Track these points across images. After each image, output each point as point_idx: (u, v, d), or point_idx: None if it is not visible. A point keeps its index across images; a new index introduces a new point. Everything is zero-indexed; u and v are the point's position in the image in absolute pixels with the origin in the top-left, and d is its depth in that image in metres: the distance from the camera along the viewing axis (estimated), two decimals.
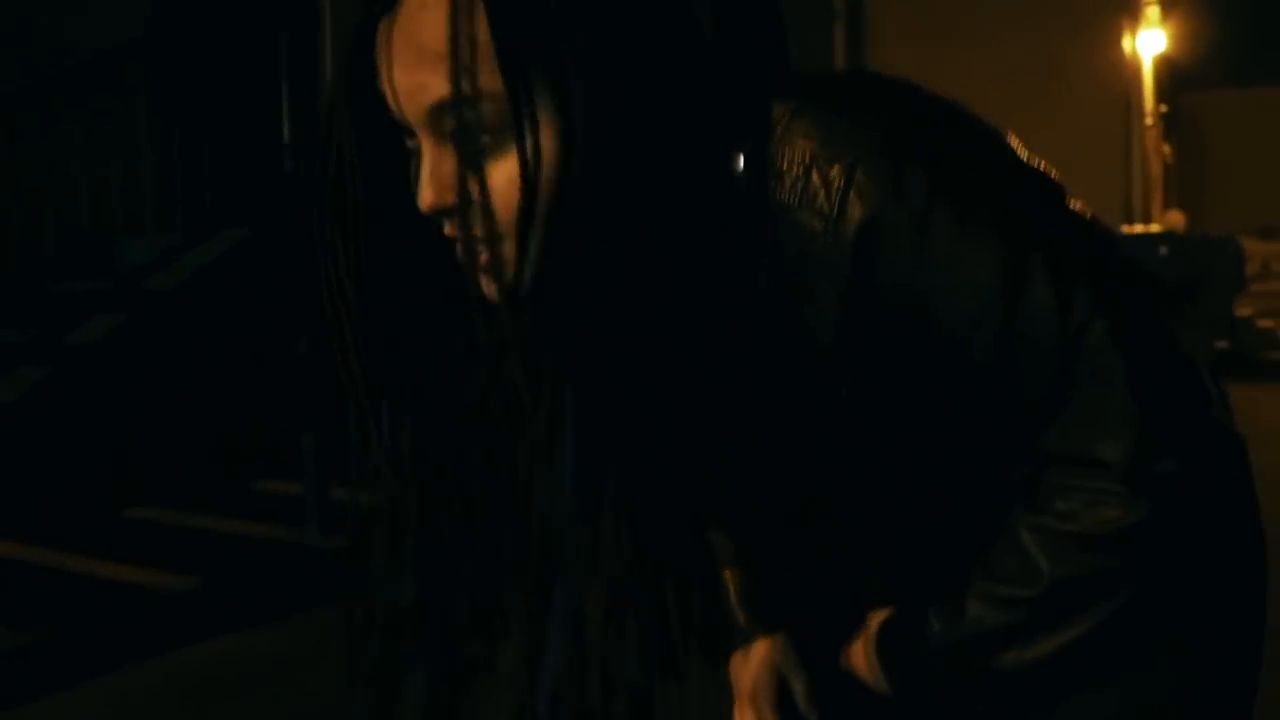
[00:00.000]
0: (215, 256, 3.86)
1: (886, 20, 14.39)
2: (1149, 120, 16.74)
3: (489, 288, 0.83)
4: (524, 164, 0.77)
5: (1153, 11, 16.65)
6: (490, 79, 0.77)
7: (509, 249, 0.81)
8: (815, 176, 0.77)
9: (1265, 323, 12.66)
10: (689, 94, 0.80)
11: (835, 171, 0.76)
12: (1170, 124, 21.04)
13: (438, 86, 0.77)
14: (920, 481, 0.85)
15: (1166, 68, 19.02)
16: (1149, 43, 16.38)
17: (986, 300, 0.75)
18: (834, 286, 0.77)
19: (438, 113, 0.79)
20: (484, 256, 0.81)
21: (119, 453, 4.09)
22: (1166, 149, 20.73)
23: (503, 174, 0.79)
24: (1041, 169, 0.82)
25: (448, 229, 0.82)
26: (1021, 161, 0.81)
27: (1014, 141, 0.83)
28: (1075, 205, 0.81)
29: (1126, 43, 15.35)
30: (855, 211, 0.75)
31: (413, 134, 0.82)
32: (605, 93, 0.76)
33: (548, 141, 0.77)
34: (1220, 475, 0.79)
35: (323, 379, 4.34)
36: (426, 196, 0.81)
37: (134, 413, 3.96)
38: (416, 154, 0.83)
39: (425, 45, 0.78)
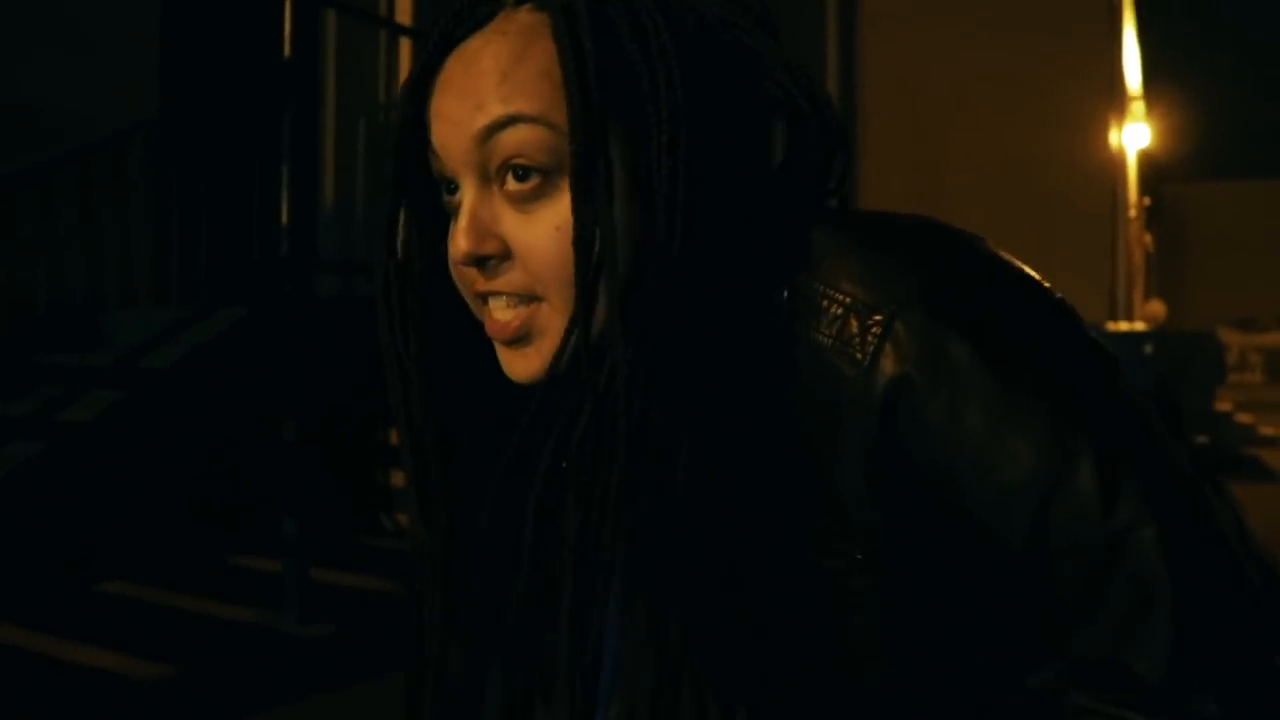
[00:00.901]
0: (212, 335, 3.83)
1: (874, 110, 14.64)
2: (1133, 212, 17.00)
3: (518, 364, 0.77)
4: (587, 199, 0.71)
5: (1138, 107, 17.01)
6: (551, 108, 0.72)
7: (548, 315, 0.75)
8: (854, 321, 0.71)
9: (1244, 417, 12.78)
10: (756, 200, 0.76)
11: (875, 320, 0.71)
12: (1151, 215, 21.40)
13: (492, 108, 0.73)
14: (931, 676, 0.76)
15: (1149, 161, 19.39)
16: (1133, 137, 16.71)
17: (1024, 486, 0.68)
18: (859, 442, 0.71)
19: (487, 139, 0.73)
20: (515, 322, 0.75)
21: (101, 528, 4.02)
22: (1148, 239, 21.05)
23: (549, 221, 0.73)
24: (1095, 339, 0.74)
25: (479, 285, 0.76)
26: (1075, 328, 0.73)
27: (1067, 308, 0.75)
28: (1125, 383, 0.73)
29: (1113, 137, 15.65)
30: (889, 365, 0.70)
31: (453, 189, 0.78)
32: (687, 156, 0.71)
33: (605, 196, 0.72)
34: None
35: (307, 462, 4.30)
36: (460, 244, 0.75)
37: (120, 489, 3.90)
38: (455, 212, 0.77)
39: (485, 68, 0.74)
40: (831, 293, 0.73)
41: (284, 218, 4.07)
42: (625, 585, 0.75)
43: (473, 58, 0.75)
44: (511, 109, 0.72)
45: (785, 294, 0.74)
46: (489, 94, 0.73)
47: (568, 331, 0.73)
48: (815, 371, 0.73)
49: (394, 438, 6.24)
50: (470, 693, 0.84)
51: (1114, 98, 15.62)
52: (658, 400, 0.71)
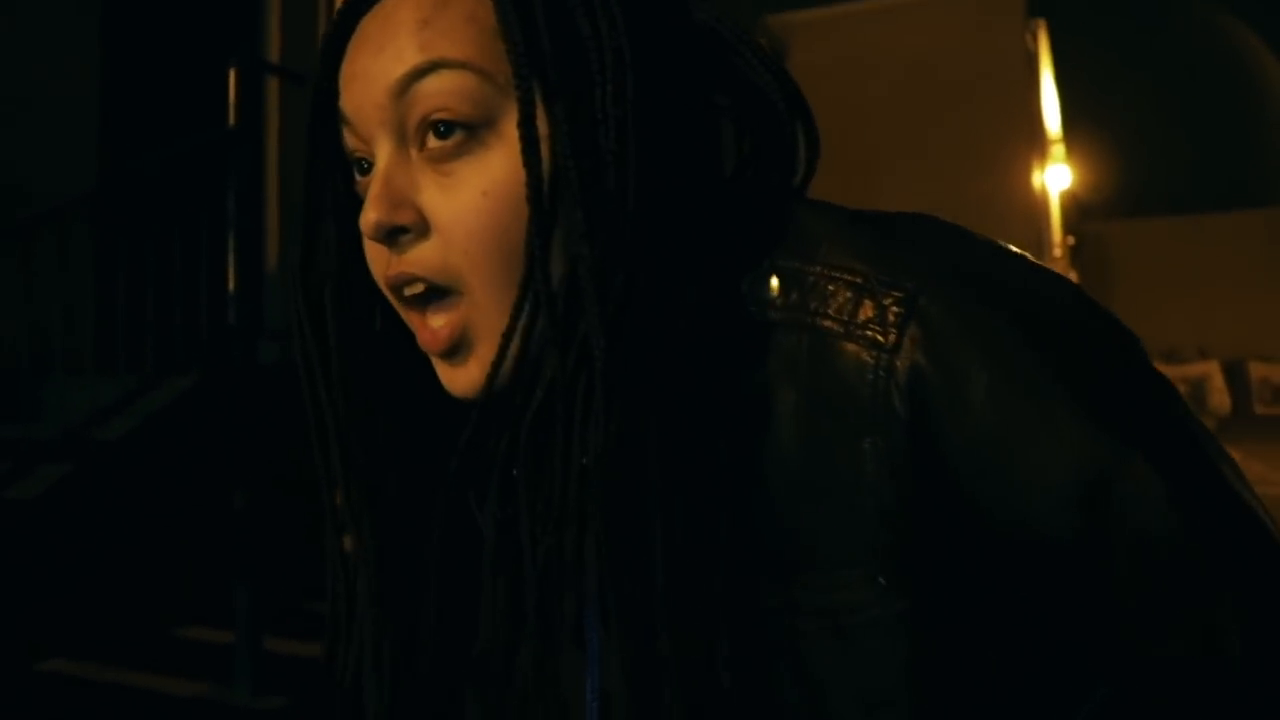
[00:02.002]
0: (161, 405, 3.80)
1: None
2: (1058, 252, 17.41)
3: (458, 379, 0.69)
4: (530, 155, 0.63)
5: (1058, 149, 17.49)
6: (478, 53, 0.65)
7: (479, 316, 0.66)
8: (868, 303, 0.64)
9: None
10: (717, 173, 0.70)
11: (894, 298, 0.63)
12: (1075, 254, 21.95)
13: (410, 56, 0.66)
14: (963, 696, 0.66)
15: (1071, 201, 19.90)
16: (1055, 179, 17.16)
17: (1080, 471, 0.60)
18: (885, 439, 0.62)
19: (404, 91, 0.66)
20: (446, 330, 0.67)
21: (46, 607, 3.93)
22: (1073, 276, 21.56)
23: (474, 185, 0.65)
24: (1111, 317, 0.69)
25: (391, 269, 0.68)
26: (1095, 304, 0.68)
27: (1078, 286, 0.70)
28: (1151, 363, 0.68)
29: (1035, 179, 16.06)
30: (917, 348, 0.62)
31: (366, 168, 0.70)
32: (635, 111, 0.64)
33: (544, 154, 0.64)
34: None
35: (258, 531, 4.24)
36: (370, 215, 0.66)
37: (68, 566, 3.83)
38: (366, 194, 0.69)
39: (404, 18, 0.67)
40: (836, 274, 0.66)
41: (231, 285, 4.05)
42: (602, 606, 0.65)
43: (391, 10, 0.68)
44: (433, 55, 0.65)
45: (774, 280, 0.67)
46: (407, 42, 0.66)
47: (506, 334, 0.66)
48: (822, 364, 0.64)
49: (339, 500, 6.17)
50: None
51: (1035, 141, 16.07)
52: (633, 400, 0.62)
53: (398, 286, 0.68)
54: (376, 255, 0.70)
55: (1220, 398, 23.41)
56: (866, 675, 0.63)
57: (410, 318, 0.70)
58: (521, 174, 0.64)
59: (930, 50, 15.68)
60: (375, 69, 0.67)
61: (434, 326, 0.68)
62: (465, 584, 0.74)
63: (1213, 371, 23.53)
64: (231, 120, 4.17)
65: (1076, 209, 21.73)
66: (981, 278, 0.65)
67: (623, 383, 0.61)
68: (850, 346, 0.64)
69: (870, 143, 15.70)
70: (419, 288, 0.67)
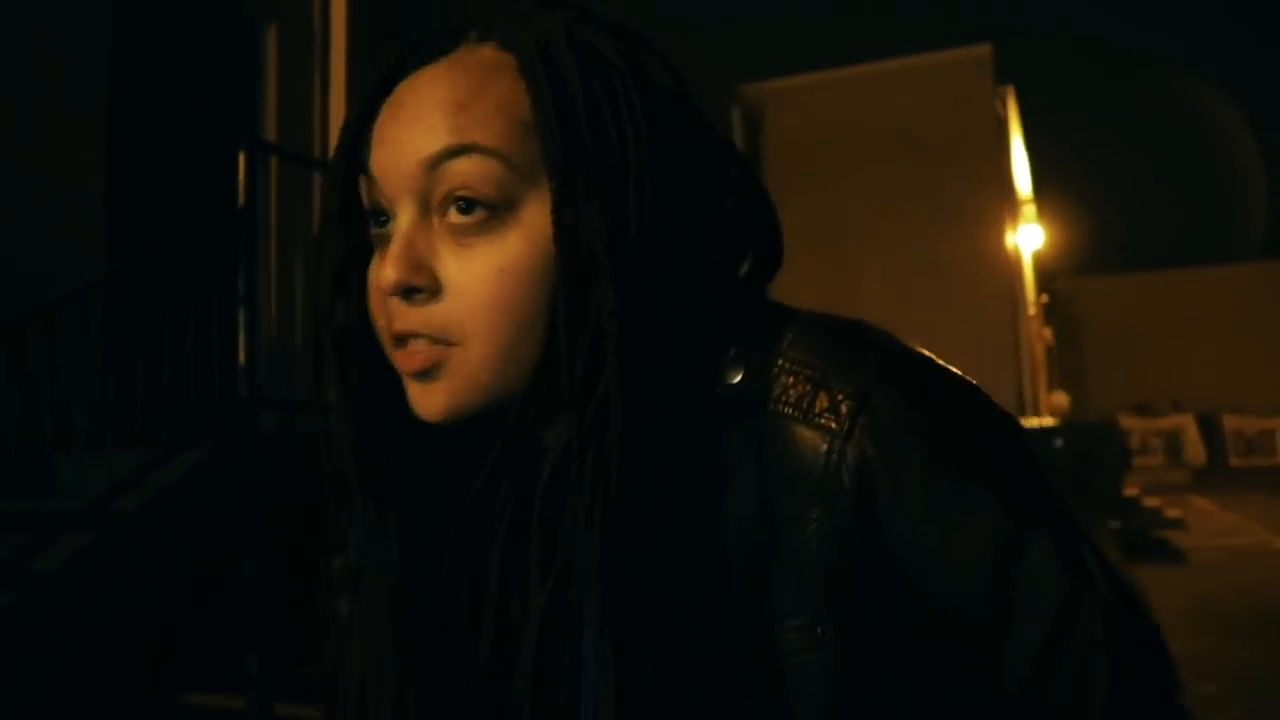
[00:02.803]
0: (177, 476, 3.92)
1: (784, 226, 15.13)
2: (1032, 310, 17.74)
3: (426, 400, 0.74)
4: (564, 224, 0.70)
5: (1029, 210, 17.84)
6: (506, 143, 0.71)
7: (460, 359, 0.72)
8: (824, 396, 0.72)
9: (1150, 500, 13.20)
10: (706, 269, 0.77)
11: (846, 393, 0.71)
12: (1049, 311, 22.29)
13: (444, 135, 0.71)
14: None
15: (1043, 260, 20.29)
16: (1028, 238, 17.52)
17: (989, 552, 0.70)
18: (833, 510, 0.70)
19: (434, 166, 0.71)
20: (422, 354, 0.72)
21: (56, 673, 4.01)
22: (1047, 334, 21.88)
23: (491, 260, 0.71)
24: (1013, 419, 0.78)
25: (398, 323, 0.73)
26: (1005, 415, 0.77)
27: (990, 397, 0.79)
28: (1039, 457, 0.77)
29: (1008, 239, 16.36)
30: (864, 438, 0.70)
31: (383, 221, 0.75)
32: (653, 206, 0.71)
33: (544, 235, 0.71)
34: None
35: (268, 598, 4.34)
36: (389, 273, 0.71)
37: (83, 636, 3.92)
38: (382, 245, 0.75)
39: (441, 96, 0.72)
40: (797, 369, 0.73)
41: (241, 358, 4.19)
42: (602, 628, 0.71)
43: (428, 85, 0.73)
44: (466, 139, 0.70)
45: (742, 368, 0.74)
46: (443, 121, 0.71)
47: (488, 371, 0.72)
48: (779, 445, 0.72)
49: (337, 569, 6.24)
50: None
51: (1007, 202, 16.43)
52: (639, 459, 0.69)
53: (402, 337, 0.73)
54: (380, 307, 0.75)
55: (1195, 450, 23.69)
56: (797, 709, 0.71)
57: (394, 352, 0.75)
58: (533, 254, 0.71)
59: (902, 116, 16.08)
60: (408, 139, 0.72)
61: (413, 350, 0.73)
62: (463, 631, 0.77)
63: (1187, 424, 23.81)
64: (241, 200, 4.35)
65: (1048, 267, 22.13)
66: (917, 383, 0.74)
67: (636, 443, 0.69)
68: (806, 431, 0.71)
69: (845, 206, 16.03)
70: (421, 342, 0.72)
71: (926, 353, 0.78)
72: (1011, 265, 16.41)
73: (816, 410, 0.71)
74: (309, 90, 6.60)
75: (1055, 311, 24.54)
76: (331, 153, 0.79)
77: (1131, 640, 0.73)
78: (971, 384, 0.76)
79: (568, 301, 0.70)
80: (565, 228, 0.70)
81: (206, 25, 6.10)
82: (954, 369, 0.77)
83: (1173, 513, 13.14)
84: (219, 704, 4.87)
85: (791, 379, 0.73)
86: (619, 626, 0.69)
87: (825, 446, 0.71)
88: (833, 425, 0.71)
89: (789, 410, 0.72)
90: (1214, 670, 5.73)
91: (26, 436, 3.97)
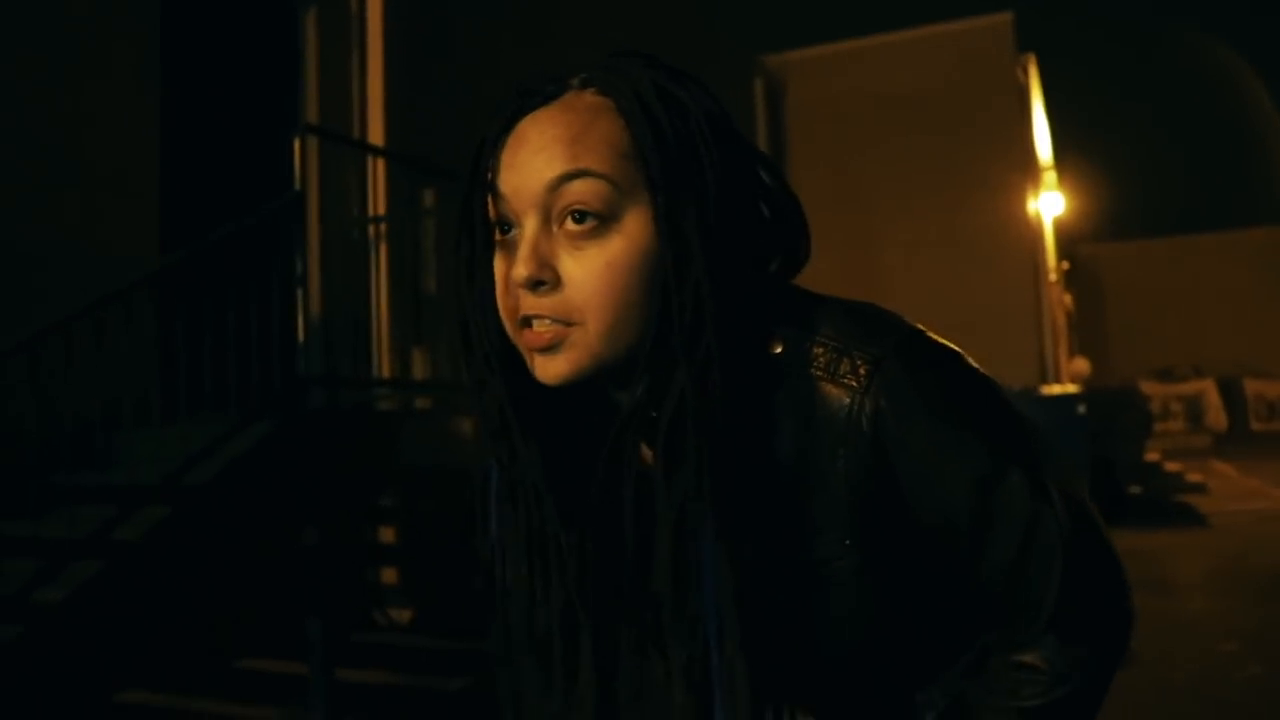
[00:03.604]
0: (245, 450, 4.10)
1: (803, 193, 15.18)
2: (1053, 276, 17.73)
3: (550, 367, 0.91)
4: (674, 228, 0.89)
5: (1050, 176, 17.78)
6: (611, 169, 0.89)
7: (579, 335, 0.90)
8: (846, 360, 0.92)
9: (1172, 465, 13.24)
10: (757, 266, 0.96)
11: (864, 359, 0.91)
12: (1069, 277, 22.22)
13: (564, 163, 0.89)
14: (897, 635, 0.97)
15: (1063, 226, 20.24)
16: (1049, 205, 17.47)
17: (974, 479, 0.91)
18: (855, 450, 0.91)
19: (557, 186, 0.89)
20: (548, 334, 0.90)
21: (129, 638, 4.22)
22: (1068, 300, 21.85)
23: (600, 258, 0.89)
24: (993, 380, 0.98)
25: (526, 307, 0.90)
26: (988, 379, 0.97)
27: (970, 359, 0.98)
28: (1027, 417, 0.98)
29: (1030, 206, 16.32)
30: (878, 394, 0.90)
31: (507, 229, 0.93)
32: (720, 217, 0.90)
33: (646, 238, 0.90)
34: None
35: (330, 565, 4.54)
36: (521, 271, 0.89)
37: (160, 604, 4.12)
38: (506, 249, 0.93)
39: (559, 133, 0.90)
40: (825, 340, 0.93)
41: (301, 336, 4.37)
42: (716, 541, 0.91)
43: (547, 123, 0.92)
44: (580, 165, 0.89)
45: (780, 345, 0.94)
46: (562, 152, 0.90)
47: (603, 350, 0.90)
48: (812, 400, 0.92)
49: (383, 537, 6.45)
50: (596, 646, 0.99)
51: (1028, 169, 16.41)
52: (731, 402, 0.89)
53: (528, 319, 0.91)
54: (510, 296, 0.93)
55: (1217, 415, 23.65)
56: (837, 603, 0.93)
57: (520, 332, 0.93)
58: (633, 252, 0.90)
59: (924, 85, 16.09)
60: (533, 165, 0.90)
61: (539, 330, 0.91)
62: (610, 532, 0.96)
63: (1208, 389, 23.74)
64: (297, 184, 4.51)
65: (1069, 233, 22.02)
66: (919, 352, 0.94)
67: (730, 387, 0.89)
68: (833, 388, 0.92)
69: (867, 175, 16.07)
70: (546, 323, 0.91)
71: (925, 328, 0.98)
72: (1033, 232, 16.40)
73: (841, 372, 0.92)
74: (348, 72, 6.73)
75: (1076, 277, 24.46)
76: (467, 172, 0.97)
77: (1083, 551, 0.94)
78: (959, 352, 0.97)
79: (678, 283, 0.89)
80: (669, 229, 0.89)
81: (250, 10, 6.24)
82: (946, 341, 0.97)
83: (1194, 477, 13.18)
84: (275, 669, 5.06)
85: (820, 349, 0.93)
86: (728, 532, 0.90)
87: (848, 400, 0.91)
88: (853, 383, 0.91)
89: (819, 373, 0.92)
90: (1235, 630, 5.92)
91: (90, 415, 4.16)
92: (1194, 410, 23.32)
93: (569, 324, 0.90)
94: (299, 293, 4.39)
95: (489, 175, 0.94)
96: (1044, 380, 14.24)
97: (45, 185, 4.80)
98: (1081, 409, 8.41)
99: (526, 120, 0.93)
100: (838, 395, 0.91)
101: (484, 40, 7.38)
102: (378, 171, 6.33)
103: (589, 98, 0.93)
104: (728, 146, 0.94)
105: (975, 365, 0.98)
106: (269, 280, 4.48)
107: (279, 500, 4.33)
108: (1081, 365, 19.22)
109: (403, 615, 5.98)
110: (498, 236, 0.94)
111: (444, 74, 7.01)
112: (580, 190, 0.89)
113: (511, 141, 0.93)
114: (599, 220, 0.89)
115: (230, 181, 5.64)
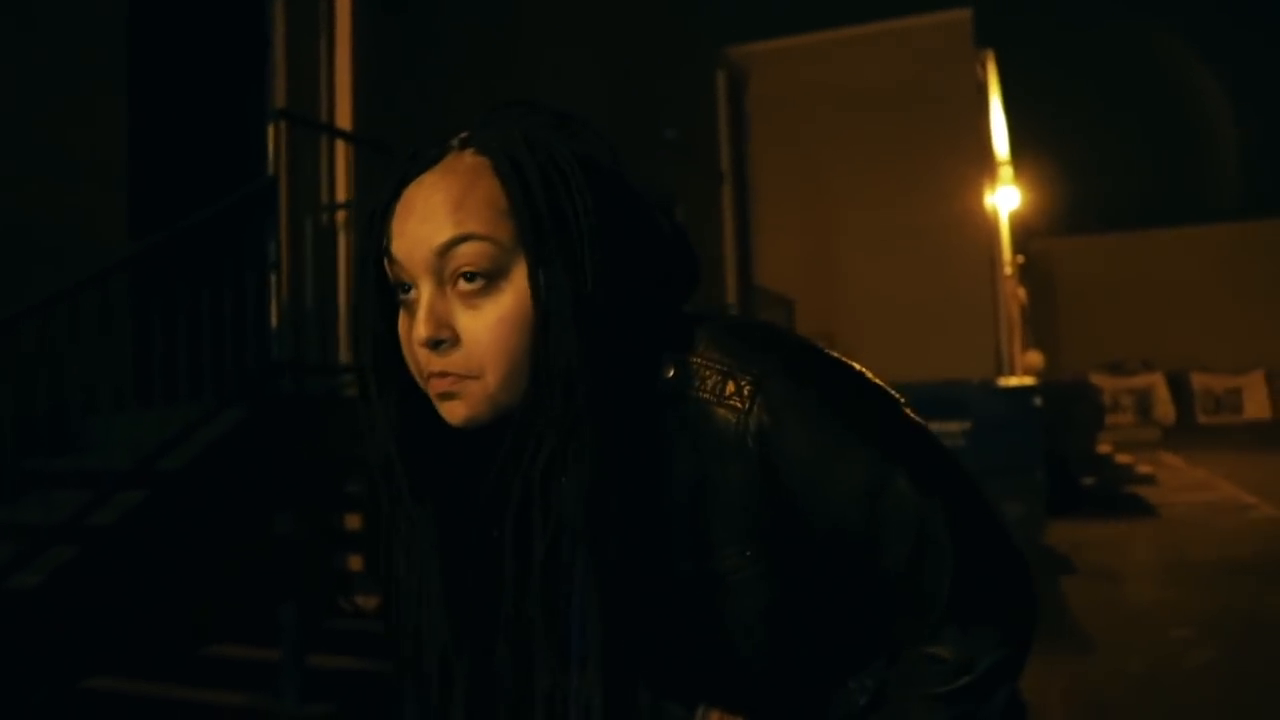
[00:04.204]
0: (218, 435, 4.09)
1: (764, 184, 15.28)
2: (1009, 270, 17.95)
3: (456, 410, 0.96)
4: (537, 290, 0.93)
5: (1006, 171, 18.01)
6: (494, 229, 0.93)
7: (487, 381, 0.94)
8: (730, 383, 0.96)
9: (1123, 458, 13.51)
10: (648, 297, 1.00)
11: (747, 380, 0.96)
12: (1024, 271, 22.51)
13: (449, 229, 0.93)
14: (796, 646, 1.02)
15: (1019, 221, 20.50)
16: (1005, 200, 17.70)
17: (862, 488, 0.95)
18: (745, 467, 0.96)
19: (445, 251, 0.93)
20: (447, 381, 0.95)
21: (96, 625, 4.20)
22: (1023, 294, 22.14)
23: (492, 314, 0.94)
24: (885, 387, 1.03)
25: (431, 365, 0.95)
26: (874, 384, 1.02)
27: (859, 367, 1.03)
28: (913, 416, 1.02)
29: (986, 201, 16.50)
30: (761, 412, 0.95)
31: (407, 289, 0.97)
32: (604, 262, 0.94)
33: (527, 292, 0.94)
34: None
35: (302, 551, 4.54)
36: (421, 331, 0.94)
37: (134, 590, 4.10)
38: (408, 308, 0.97)
39: (441, 199, 0.94)
40: (712, 364, 0.98)
41: (274, 322, 4.37)
42: (587, 574, 0.95)
43: (430, 189, 0.96)
44: (464, 230, 0.93)
45: (672, 370, 0.99)
46: (446, 218, 0.94)
47: (495, 396, 0.95)
48: (701, 423, 0.97)
49: (349, 524, 6.45)
50: (476, 671, 1.03)
51: (985, 164, 16.61)
52: (607, 444, 0.94)
53: (437, 375, 0.96)
54: (415, 353, 0.97)
55: (1165, 408, 24.14)
56: (746, 609, 0.98)
57: (427, 381, 0.98)
58: (524, 306, 0.94)
59: (884, 79, 16.23)
60: (421, 233, 0.95)
61: (438, 384, 0.96)
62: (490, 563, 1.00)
63: (1157, 383, 24.22)
64: (271, 170, 4.50)
65: (1024, 228, 22.30)
66: (800, 368, 0.98)
67: (603, 441, 0.94)
68: (720, 410, 0.96)
69: (826, 167, 16.20)
70: (449, 378, 0.96)
71: (813, 343, 1.03)
72: (989, 227, 16.61)
73: (727, 394, 0.96)
74: (315, 56, 6.69)
75: (1029, 271, 24.77)
76: (363, 229, 1.02)
77: (976, 544, 0.98)
78: (848, 363, 1.02)
79: (544, 343, 0.94)
80: (538, 288, 0.94)
81: None
82: (835, 353, 1.03)
83: (1144, 469, 13.46)
84: (249, 655, 5.05)
85: (708, 372, 0.98)
86: (600, 561, 0.95)
87: (735, 420, 0.96)
88: (738, 405, 0.96)
89: (707, 395, 0.97)
90: (1187, 616, 6.08)
91: (65, 399, 4.13)
92: (1143, 403, 23.78)
93: (471, 377, 0.95)
94: (272, 278, 4.37)
95: (383, 242, 0.98)
96: (999, 373, 14.45)
97: (11, 171, 4.74)
98: (1038, 401, 8.54)
99: (413, 187, 0.97)
100: (724, 416, 0.96)
101: (452, 25, 7.36)
102: (345, 157, 6.29)
103: (469, 158, 0.97)
104: (605, 189, 0.98)
105: (865, 375, 1.02)
106: (242, 266, 4.47)
107: (252, 485, 4.33)
108: (1035, 358, 19.52)
109: (369, 602, 5.99)
110: (400, 296, 0.99)
111: (412, 58, 6.99)
112: (467, 253, 0.93)
113: (400, 209, 0.97)
114: (487, 279, 0.94)
115: (199, 167, 5.60)
